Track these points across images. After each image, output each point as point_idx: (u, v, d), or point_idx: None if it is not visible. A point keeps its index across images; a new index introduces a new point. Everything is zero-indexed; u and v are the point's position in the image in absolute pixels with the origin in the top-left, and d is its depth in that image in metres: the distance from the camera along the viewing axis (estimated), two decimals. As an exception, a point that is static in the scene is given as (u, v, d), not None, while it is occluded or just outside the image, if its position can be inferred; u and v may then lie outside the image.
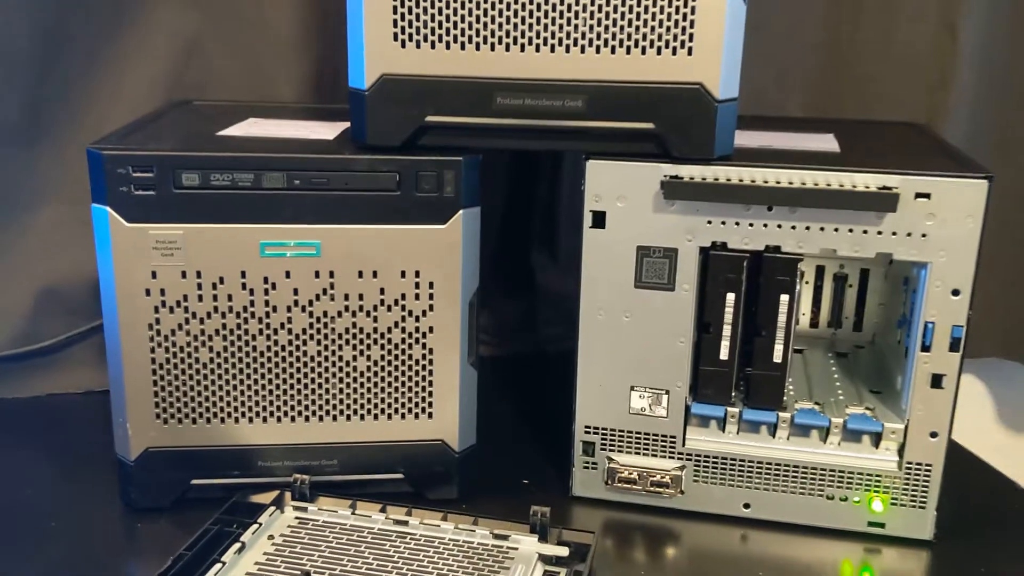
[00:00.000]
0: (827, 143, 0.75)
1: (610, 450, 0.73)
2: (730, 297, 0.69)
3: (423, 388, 0.71)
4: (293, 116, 0.83)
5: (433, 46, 0.65)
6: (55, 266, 0.90)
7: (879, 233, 0.65)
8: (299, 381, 0.70)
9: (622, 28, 0.64)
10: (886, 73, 0.97)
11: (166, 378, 0.69)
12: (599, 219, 0.69)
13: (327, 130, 0.76)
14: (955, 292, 0.65)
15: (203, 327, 0.68)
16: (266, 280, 0.68)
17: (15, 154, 0.89)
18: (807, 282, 0.84)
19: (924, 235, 0.64)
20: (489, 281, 0.77)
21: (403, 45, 0.65)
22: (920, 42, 0.96)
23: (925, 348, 0.66)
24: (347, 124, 0.73)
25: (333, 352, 0.70)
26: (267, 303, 0.68)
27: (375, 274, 0.68)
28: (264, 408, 0.70)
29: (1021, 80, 0.98)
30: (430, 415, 0.72)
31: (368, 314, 0.69)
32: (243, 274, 0.67)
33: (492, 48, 0.65)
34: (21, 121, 0.88)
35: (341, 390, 0.71)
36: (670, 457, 0.72)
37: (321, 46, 0.93)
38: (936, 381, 0.67)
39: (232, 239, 0.67)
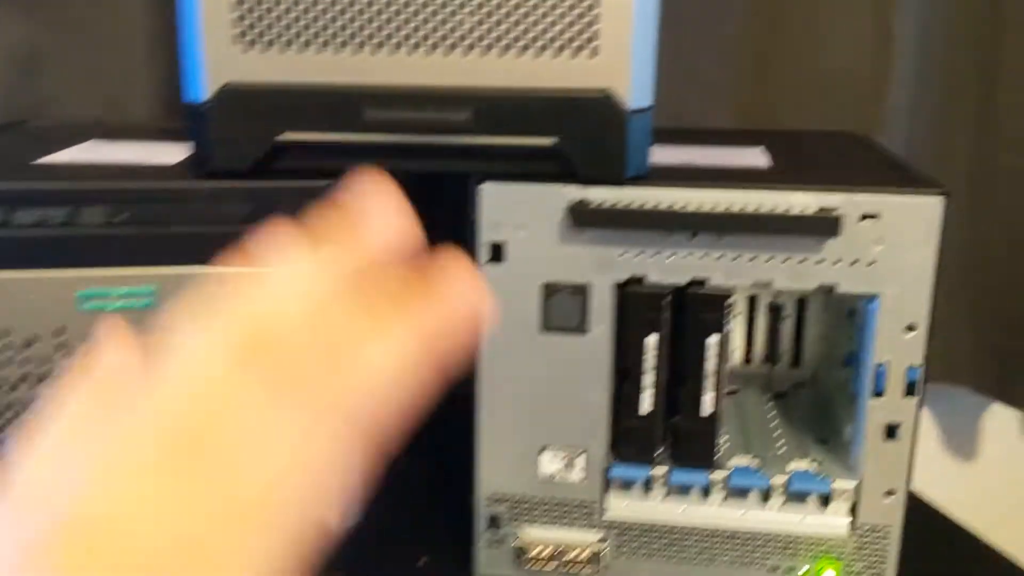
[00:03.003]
0: (756, 158, 0.65)
1: (519, 523, 0.62)
2: (651, 340, 0.59)
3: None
4: (143, 137, 0.71)
5: (286, 48, 0.54)
6: None
7: (820, 262, 0.56)
8: (138, 458, 0.58)
9: (514, 25, 0.53)
10: (817, 79, 0.89)
11: (-33, 462, 0.56)
12: (496, 252, 0.58)
13: (176, 153, 0.64)
14: (910, 328, 0.56)
15: (11, 398, 0.55)
16: (89, 338, 0.55)
17: None
18: (738, 313, 0.75)
19: (872, 263, 0.55)
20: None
21: (249, 47, 0.54)
22: (853, 45, 0.88)
23: (877, 394, 0.57)
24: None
25: (179, 421, 0.58)
26: (92, 365, 0.56)
27: (226, 326, 0.56)
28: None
29: (961, 83, 0.91)
30: (302, 491, 0.60)
31: (220, 374, 0.57)
32: (59, 332, 0.55)
33: (359, 50, 0.54)
34: None
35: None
36: (588, 528, 0.62)
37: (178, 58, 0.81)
38: (891, 432, 0.57)
39: (43, 290, 0.54)
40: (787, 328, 0.74)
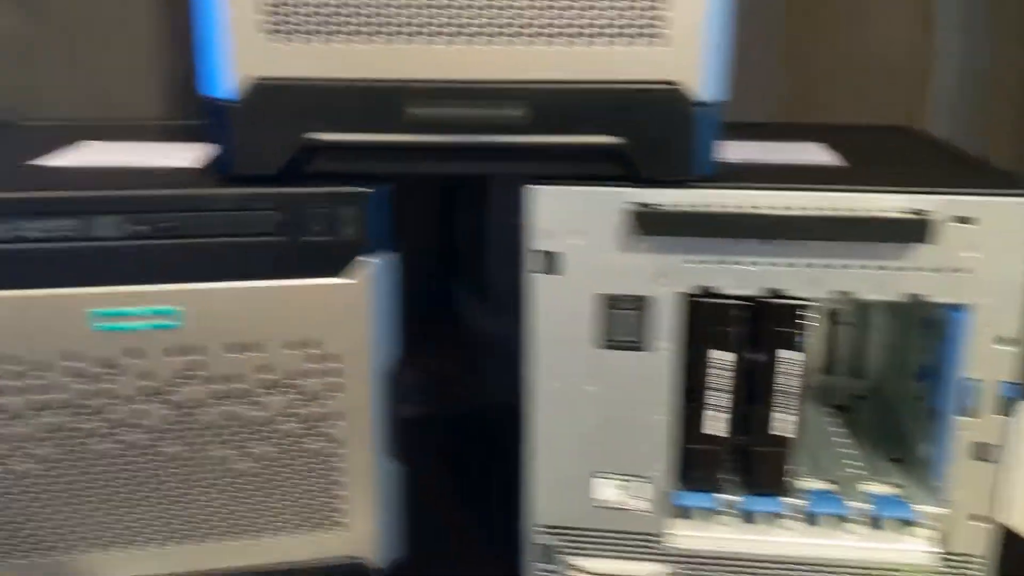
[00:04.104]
0: (822, 154, 0.60)
1: (574, 555, 0.57)
2: (720, 356, 0.54)
3: (329, 492, 0.54)
4: (146, 137, 0.65)
5: (320, 39, 0.48)
6: None
7: (907, 270, 0.51)
8: (158, 493, 0.52)
9: (574, 12, 0.48)
10: (858, 71, 0.84)
11: (-31, 502, 0.50)
12: (550, 262, 0.53)
13: (189, 155, 0.58)
14: (1004, 341, 0.51)
15: (20, 430, 0.50)
16: (107, 363, 0.50)
17: None
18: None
19: (965, 270, 0.50)
20: (410, 327, 0.61)
21: (281, 39, 0.48)
22: (893, 36, 0.84)
23: (964, 411, 0.52)
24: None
25: (202, 452, 0.52)
26: (108, 392, 0.50)
27: (256, 347, 0.51)
28: (113, 533, 0.52)
29: (1003, 74, 0.87)
30: (341, 526, 0.55)
31: (249, 400, 0.52)
32: (70, 356, 0.49)
33: (401, 40, 0.48)
34: None
35: (217, 500, 0.53)
36: (651, 560, 0.57)
37: (185, 48, 0.75)
38: (982, 452, 0.53)
39: (52, 310, 0.49)
40: (846, 336, 0.70)
